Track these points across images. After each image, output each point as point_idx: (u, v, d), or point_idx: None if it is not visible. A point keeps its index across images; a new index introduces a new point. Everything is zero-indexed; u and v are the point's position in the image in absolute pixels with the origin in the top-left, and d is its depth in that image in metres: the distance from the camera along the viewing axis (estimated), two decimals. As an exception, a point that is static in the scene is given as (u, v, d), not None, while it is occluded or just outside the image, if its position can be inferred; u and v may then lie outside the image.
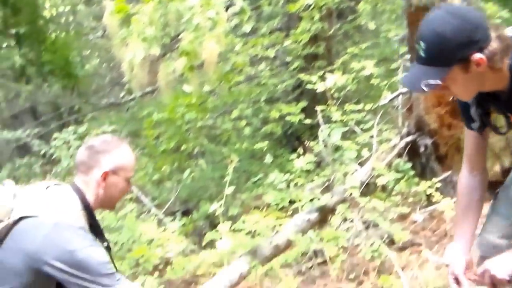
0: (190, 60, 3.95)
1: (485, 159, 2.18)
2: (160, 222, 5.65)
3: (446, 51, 1.64)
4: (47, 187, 2.31)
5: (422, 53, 1.67)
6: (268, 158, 3.92)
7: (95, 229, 2.39)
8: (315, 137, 4.57)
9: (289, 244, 3.40)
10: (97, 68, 13.53)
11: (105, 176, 2.28)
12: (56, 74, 9.71)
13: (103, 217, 5.35)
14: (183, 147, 6.08)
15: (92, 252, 2.16)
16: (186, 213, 6.99)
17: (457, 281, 2.08)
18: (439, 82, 1.66)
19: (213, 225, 5.70)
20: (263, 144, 5.30)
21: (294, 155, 3.88)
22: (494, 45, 1.64)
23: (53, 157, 6.77)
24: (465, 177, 2.17)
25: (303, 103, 5.98)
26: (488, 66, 1.65)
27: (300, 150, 3.90)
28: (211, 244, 4.84)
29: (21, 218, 2.15)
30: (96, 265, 2.15)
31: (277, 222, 4.10)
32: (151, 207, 6.99)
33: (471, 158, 2.14)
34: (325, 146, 3.84)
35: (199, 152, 6.31)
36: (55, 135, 6.58)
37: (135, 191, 7.66)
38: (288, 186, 4.49)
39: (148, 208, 7.05)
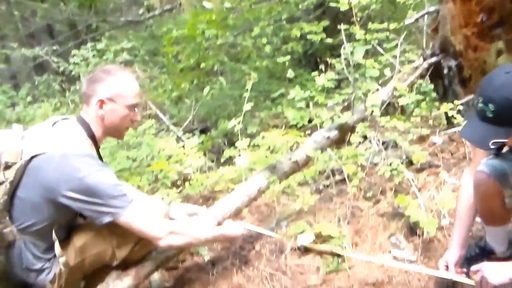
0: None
1: None
2: (178, 140, 5.69)
3: None
4: (54, 123, 2.39)
5: (489, 114, 1.85)
6: (290, 73, 3.83)
7: (99, 159, 2.45)
8: (336, 56, 4.46)
9: (308, 161, 3.40)
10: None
11: (100, 103, 2.37)
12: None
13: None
14: (202, 65, 6.01)
15: (101, 176, 2.25)
16: (204, 131, 7.03)
17: (446, 268, 2.38)
18: (506, 141, 1.89)
19: (231, 143, 5.73)
20: (285, 58, 5.17)
21: (315, 73, 3.78)
22: None
23: (72, 74, 6.78)
24: (469, 175, 2.39)
25: (325, 22, 5.84)
26: None
27: (322, 67, 3.78)
28: (229, 161, 4.88)
29: (32, 157, 2.24)
30: (106, 188, 2.25)
31: (296, 140, 4.10)
32: (170, 125, 7.04)
33: (476, 165, 2.30)
34: (347, 64, 3.73)
35: (219, 70, 6.22)
36: (74, 52, 6.54)
37: (153, 109, 7.72)
38: (307, 105, 4.46)
39: (166, 126, 7.10)
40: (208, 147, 5.56)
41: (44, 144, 2.28)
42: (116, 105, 2.39)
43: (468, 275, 2.32)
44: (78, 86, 6.43)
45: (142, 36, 9.59)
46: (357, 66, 3.82)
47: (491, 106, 1.85)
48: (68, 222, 2.41)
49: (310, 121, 4.63)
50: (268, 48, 5.77)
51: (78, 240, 2.39)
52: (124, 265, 2.54)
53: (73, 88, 6.85)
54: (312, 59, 7.68)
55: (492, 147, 1.90)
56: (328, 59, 3.97)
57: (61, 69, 7.17)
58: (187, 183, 4.47)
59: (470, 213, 2.44)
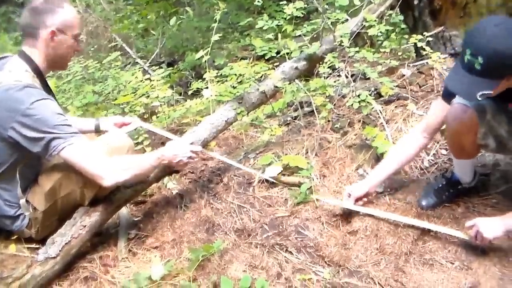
0: None
1: (436, 132, 2.53)
2: (145, 73, 5.48)
3: (503, 68, 1.81)
4: None
5: (477, 66, 1.82)
6: (258, 1, 3.64)
7: (48, 91, 2.37)
8: None
9: (276, 92, 3.29)
10: None
11: (52, 34, 2.29)
12: None
13: (88, 65, 5.18)
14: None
15: (44, 104, 2.19)
16: (171, 64, 6.81)
17: (349, 196, 2.53)
18: (492, 92, 1.85)
19: (199, 76, 5.56)
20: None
21: (284, 2, 3.60)
22: None
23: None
24: (415, 133, 2.49)
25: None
26: None
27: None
28: (197, 94, 4.74)
29: None
30: (50, 115, 2.19)
31: (264, 71, 3.97)
32: (136, 58, 6.79)
33: (430, 123, 2.45)
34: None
35: (186, 0, 5.94)
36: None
37: (119, 41, 7.41)
38: (276, 37, 4.30)
39: (133, 59, 6.85)
40: (176, 80, 5.39)
41: None
42: (65, 36, 2.35)
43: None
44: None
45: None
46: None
47: (480, 59, 1.81)
48: (31, 162, 2.36)
49: (278, 52, 4.49)
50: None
51: (46, 184, 2.36)
52: (95, 201, 2.49)
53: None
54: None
55: (480, 99, 1.87)
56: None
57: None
58: (154, 117, 4.35)
59: (398, 161, 2.56)
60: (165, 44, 6.62)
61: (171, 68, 5.89)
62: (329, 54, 3.23)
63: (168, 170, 2.68)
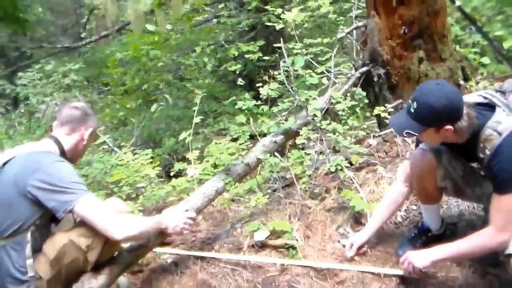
0: (157, -4, 3.97)
1: None
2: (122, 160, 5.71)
3: (430, 118, 2.19)
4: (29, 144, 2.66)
5: (412, 110, 2.22)
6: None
7: None
8: (270, 76, 4.68)
9: (258, 163, 3.57)
10: (41, 15, 13.27)
11: (88, 135, 2.70)
12: (4, 19, 9.39)
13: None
14: (146, 85, 6.10)
15: (60, 165, 2.48)
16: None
17: (351, 247, 2.82)
18: (416, 135, 2.27)
19: (179, 159, 5.85)
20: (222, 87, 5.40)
21: (260, 87, 3.95)
22: (463, 122, 2.20)
23: (18, 95, 6.74)
24: (398, 183, 2.80)
25: (260, 42, 6.09)
26: (453, 133, 2.22)
27: (265, 78, 3.99)
28: (179, 175, 4.97)
29: (4, 164, 2.47)
30: (65, 175, 2.45)
31: (239, 152, 4.27)
32: (113, 147, 7.03)
33: (407, 172, 2.71)
34: (288, 76, 3.96)
35: (164, 89, 6.33)
36: (20, 74, 6.52)
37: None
38: (248, 121, 4.65)
39: (110, 148, 7.09)
40: (158, 163, 5.62)
41: (15, 153, 2.52)
42: (91, 138, 2.75)
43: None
44: (31, 107, 6.48)
45: (79, 61, 9.56)
46: (297, 77, 4.05)
47: (415, 104, 2.20)
48: (42, 225, 2.49)
49: (251, 136, 4.84)
50: (209, 67, 5.95)
51: (51, 252, 2.47)
52: (98, 266, 2.64)
53: (18, 110, 6.83)
54: (246, 80, 7.94)
55: (405, 135, 2.28)
56: (263, 77, 4.18)
57: (7, 91, 7.13)
58: (140, 196, 4.55)
59: (388, 210, 2.84)
60: (141, 132, 6.93)
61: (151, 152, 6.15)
62: (304, 128, 3.57)
63: (163, 236, 2.87)
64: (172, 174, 4.81)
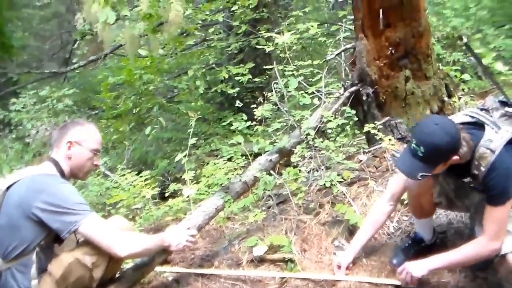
0: (152, 22, 4.13)
1: (400, 199, 2.97)
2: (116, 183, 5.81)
3: (439, 157, 2.35)
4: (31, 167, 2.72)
5: (419, 153, 2.33)
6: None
7: None
8: (256, 98, 4.85)
9: (255, 181, 3.69)
10: (27, 40, 13.39)
11: (69, 144, 2.70)
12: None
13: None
14: (138, 109, 6.23)
15: (64, 187, 2.56)
16: (139, 173, 7.19)
17: (338, 268, 2.93)
18: (430, 174, 2.39)
19: (173, 180, 5.97)
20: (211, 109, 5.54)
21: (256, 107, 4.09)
22: (464, 148, 2.35)
23: (10, 121, 6.84)
24: (381, 202, 2.93)
25: (250, 64, 6.25)
26: (459, 159, 2.36)
27: (260, 100, 4.15)
28: (174, 196, 5.08)
29: (8, 188, 2.54)
30: (69, 195, 2.52)
31: (233, 171, 4.40)
32: (104, 170, 7.13)
33: (393, 193, 2.89)
34: (280, 97, 4.13)
35: (156, 112, 6.46)
36: (13, 100, 6.64)
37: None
38: (239, 142, 4.79)
39: (101, 171, 7.18)
40: (155, 184, 5.72)
41: (18, 176, 2.59)
42: (82, 148, 2.71)
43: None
44: (25, 132, 6.60)
45: (67, 86, 9.63)
46: (289, 98, 4.21)
47: (421, 148, 2.32)
48: (46, 246, 2.57)
49: (242, 155, 4.98)
50: (201, 89, 6.10)
51: (57, 272, 2.53)
52: (103, 284, 2.73)
53: (11, 135, 6.93)
54: (234, 102, 8.12)
55: (420, 178, 2.38)
56: (253, 99, 4.33)
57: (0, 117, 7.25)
58: (137, 217, 4.66)
59: (372, 228, 2.98)
60: (133, 155, 7.04)
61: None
62: (298, 146, 3.72)
63: (166, 253, 2.95)
64: (167, 195, 4.94)
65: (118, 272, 2.91)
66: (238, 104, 4.18)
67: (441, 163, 2.37)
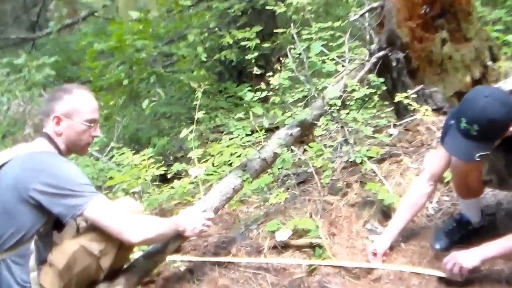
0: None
1: (441, 178, 3.03)
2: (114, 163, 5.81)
3: (497, 132, 2.38)
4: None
5: (473, 133, 2.35)
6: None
7: None
8: (262, 66, 4.85)
9: (275, 158, 3.73)
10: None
11: (57, 120, 2.63)
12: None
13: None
14: (129, 79, 6.20)
15: (66, 166, 2.52)
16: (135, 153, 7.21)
17: (374, 254, 2.96)
18: (488, 152, 2.41)
19: (175, 159, 6.00)
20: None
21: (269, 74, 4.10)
22: None
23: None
24: (420, 182, 2.98)
25: (257, 28, 6.23)
26: None
27: (278, 67, 4.14)
28: (178, 177, 5.11)
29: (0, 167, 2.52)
30: (71, 175, 2.49)
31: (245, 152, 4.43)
32: (91, 151, 7.13)
33: (433, 171, 2.94)
34: (297, 62, 4.13)
35: (153, 83, 6.41)
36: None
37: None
38: (245, 115, 4.79)
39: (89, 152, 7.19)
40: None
41: (8, 155, 2.58)
42: (72, 122, 2.63)
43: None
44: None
45: (37, 55, 9.54)
46: (309, 65, 4.22)
47: (475, 126, 2.34)
48: (45, 233, 2.55)
49: (252, 131, 5.01)
50: (203, 57, 6.07)
51: (60, 261, 2.52)
52: (112, 274, 2.74)
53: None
54: (234, 72, 8.15)
55: (478, 159, 2.41)
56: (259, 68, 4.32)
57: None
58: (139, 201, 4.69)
59: (411, 211, 3.03)
60: (123, 132, 7.01)
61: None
62: (322, 118, 3.75)
63: (181, 239, 2.99)
64: (169, 176, 4.97)
65: (127, 262, 2.93)
66: (256, 71, 4.11)
67: (499, 137, 2.41)
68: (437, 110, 4.05)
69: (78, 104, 2.65)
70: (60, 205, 2.44)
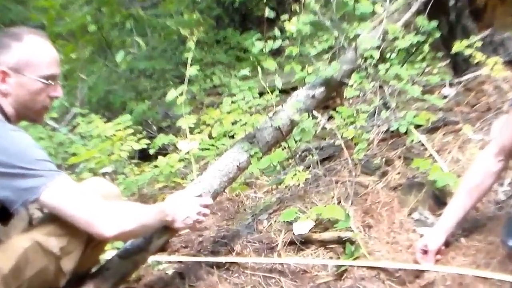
0: None
1: None
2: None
3: None
4: None
5: None
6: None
7: None
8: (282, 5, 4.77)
9: (292, 127, 3.68)
10: None
11: (3, 75, 2.49)
12: None
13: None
14: (98, 25, 6.14)
15: (16, 135, 2.38)
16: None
17: (424, 252, 2.89)
18: None
19: (159, 129, 5.98)
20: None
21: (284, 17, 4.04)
22: None
23: None
24: (486, 158, 2.86)
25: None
26: None
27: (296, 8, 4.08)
28: (163, 152, 5.10)
29: None
30: (25, 147, 2.37)
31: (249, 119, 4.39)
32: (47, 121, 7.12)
33: (503, 144, 2.81)
34: (321, 2, 4.08)
35: (129, 29, 6.34)
36: None
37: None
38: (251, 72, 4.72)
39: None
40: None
41: None
42: (23, 77, 2.51)
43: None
44: None
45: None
46: (337, 5, 4.16)
47: None
48: None
49: (261, 94, 4.95)
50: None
51: (4, 264, 2.37)
52: (77, 280, 2.69)
53: None
54: (236, 16, 8.10)
55: None
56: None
57: None
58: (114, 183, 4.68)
59: (473, 195, 2.93)
60: (90, 95, 6.97)
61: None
62: (354, 75, 3.69)
63: (170, 233, 2.93)
64: (152, 152, 4.94)
65: (97, 264, 2.89)
66: (269, 13, 3.99)
67: None
68: (510, 63, 3.99)
69: (32, 55, 2.52)
70: (6, 188, 2.32)
